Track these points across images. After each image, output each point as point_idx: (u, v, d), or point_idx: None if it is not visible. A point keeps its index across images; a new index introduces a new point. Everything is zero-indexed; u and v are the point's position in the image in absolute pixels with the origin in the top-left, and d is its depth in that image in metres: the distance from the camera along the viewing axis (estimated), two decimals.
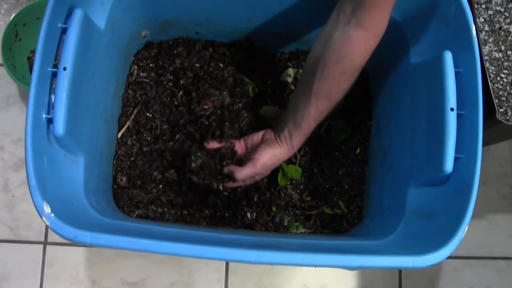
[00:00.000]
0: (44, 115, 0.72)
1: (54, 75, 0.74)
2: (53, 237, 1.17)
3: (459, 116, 0.79)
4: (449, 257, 1.22)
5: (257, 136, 0.91)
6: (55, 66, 0.74)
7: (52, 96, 0.73)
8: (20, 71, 1.15)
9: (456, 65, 0.81)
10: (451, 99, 0.78)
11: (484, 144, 1.20)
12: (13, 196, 1.18)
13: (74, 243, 1.14)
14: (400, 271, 1.24)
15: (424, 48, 0.88)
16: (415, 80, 0.89)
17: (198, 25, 1.00)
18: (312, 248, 0.73)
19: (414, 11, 0.88)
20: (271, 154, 0.87)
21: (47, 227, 1.16)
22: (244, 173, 0.85)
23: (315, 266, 0.69)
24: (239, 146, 0.92)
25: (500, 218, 1.30)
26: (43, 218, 0.67)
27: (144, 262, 1.17)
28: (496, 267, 1.27)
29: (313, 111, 0.82)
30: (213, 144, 0.91)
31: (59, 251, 1.17)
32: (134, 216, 0.94)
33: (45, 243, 1.17)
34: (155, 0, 0.91)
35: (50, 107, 0.73)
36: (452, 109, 0.78)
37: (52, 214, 0.67)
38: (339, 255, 0.68)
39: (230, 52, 1.06)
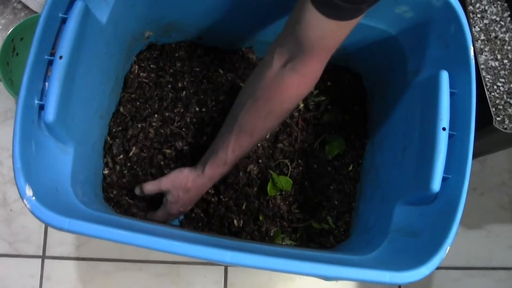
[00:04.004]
0: (36, 101, 0.73)
1: (50, 63, 0.75)
2: (51, 251, 1.17)
3: (450, 136, 0.78)
4: (449, 268, 1.25)
5: None
6: (52, 54, 0.75)
7: (46, 84, 0.74)
8: (18, 86, 1.14)
9: (452, 86, 0.81)
10: (444, 119, 0.78)
11: (482, 154, 1.22)
12: (11, 210, 1.19)
13: (72, 257, 1.16)
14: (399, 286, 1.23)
15: (421, 67, 0.88)
16: (411, 98, 0.90)
17: (201, 30, 1.01)
18: (291, 256, 0.72)
19: (413, 29, 0.89)
20: (179, 171, 0.89)
21: (45, 241, 1.17)
22: (149, 186, 0.90)
23: (290, 272, 0.68)
24: None
25: (499, 228, 1.29)
26: (24, 200, 0.67)
27: (142, 275, 1.17)
28: (496, 277, 1.26)
29: (233, 142, 0.81)
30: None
31: (57, 265, 1.16)
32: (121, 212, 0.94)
33: (43, 257, 1.16)
34: (158, 1, 0.93)
35: (44, 94, 0.74)
36: (444, 129, 0.78)
37: (34, 198, 0.67)
38: (315, 263, 0.68)
39: (231, 59, 1.06)
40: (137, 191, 0.93)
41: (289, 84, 0.73)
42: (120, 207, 0.94)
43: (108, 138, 0.97)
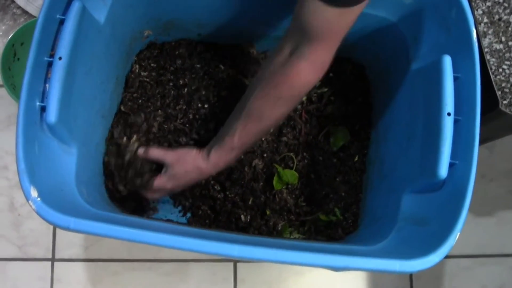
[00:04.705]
0: (37, 103, 0.73)
1: (50, 65, 0.74)
2: (60, 253, 1.17)
3: (456, 121, 0.77)
4: (459, 256, 1.24)
5: None
6: (51, 56, 0.75)
7: (47, 85, 0.74)
8: (20, 90, 1.16)
9: (455, 71, 0.80)
10: (449, 104, 0.77)
11: (489, 139, 1.20)
12: (19, 215, 1.19)
13: (81, 258, 1.16)
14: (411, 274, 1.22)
15: (424, 54, 0.88)
16: (414, 86, 0.89)
17: (200, 26, 1.01)
18: (299, 248, 0.71)
19: (414, 16, 0.88)
20: (188, 151, 0.89)
21: (54, 244, 1.17)
22: (154, 152, 0.91)
23: (299, 264, 0.67)
24: None
25: (509, 215, 1.27)
26: (30, 202, 0.67)
27: (151, 275, 1.17)
28: (509, 264, 1.25)
29: (241, 129, 0.81)
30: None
31: (66, 267, 1.17)
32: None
33: (52, 259, 1.17)
34: (156, 0, 0.92)
35: (45, 95, 0.74)
36: (449, 114, 0.77)
37: (39, 199, 0.67)
38: (324, 254, 0.67)
39: (231, 54, 1.06)
40: (140, 150, 0.93)
41: (297, 71, 0.74)
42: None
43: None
